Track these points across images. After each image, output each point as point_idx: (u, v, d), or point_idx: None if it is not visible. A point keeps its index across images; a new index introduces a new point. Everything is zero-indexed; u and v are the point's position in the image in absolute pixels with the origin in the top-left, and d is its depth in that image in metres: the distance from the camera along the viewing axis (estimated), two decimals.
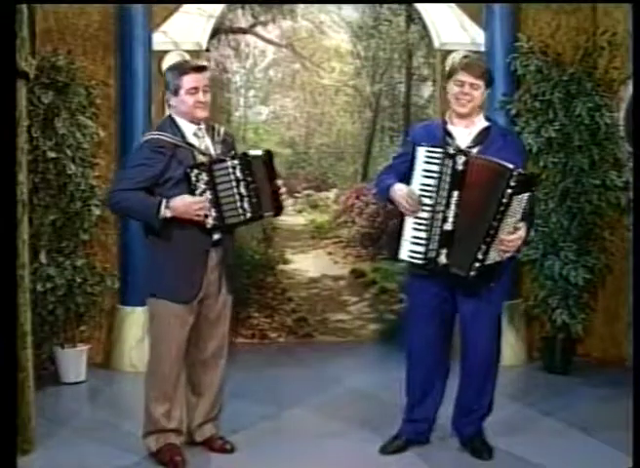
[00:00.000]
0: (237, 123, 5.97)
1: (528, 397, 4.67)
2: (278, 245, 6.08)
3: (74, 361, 5.02)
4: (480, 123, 3.62)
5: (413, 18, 5.87)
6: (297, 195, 6.11)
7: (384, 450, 3.76)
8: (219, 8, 5.49)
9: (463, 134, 3.59)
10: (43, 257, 4.86)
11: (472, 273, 3.39)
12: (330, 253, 6.13)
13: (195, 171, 3.45)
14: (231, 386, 4.33)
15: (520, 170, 3.36)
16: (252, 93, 6.02)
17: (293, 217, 6.09)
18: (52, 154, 4.83)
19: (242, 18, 5.92)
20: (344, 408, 4.47)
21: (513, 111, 5.29)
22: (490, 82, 3.63)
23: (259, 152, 3.63)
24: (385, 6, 5.94)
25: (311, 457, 3.75)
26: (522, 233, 3.42)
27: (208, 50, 5.60)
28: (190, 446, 3.76)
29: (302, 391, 4.73)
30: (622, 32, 5.14)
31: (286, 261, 6.09)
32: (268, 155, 3.62)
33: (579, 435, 3.99)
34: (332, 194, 6.15)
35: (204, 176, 3.45)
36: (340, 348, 5.87)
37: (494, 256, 3.41)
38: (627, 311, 5.05)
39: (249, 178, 3.51)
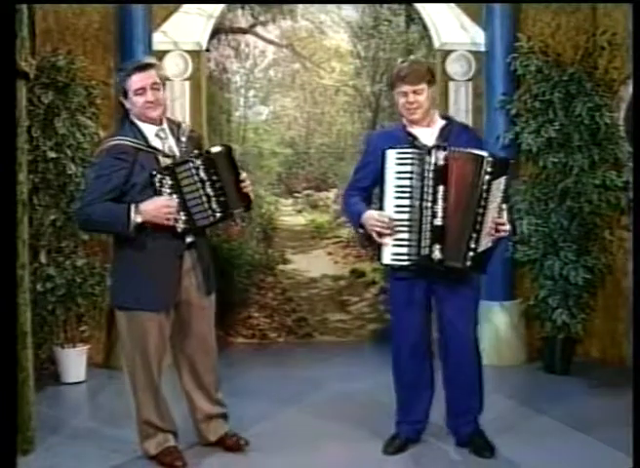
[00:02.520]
0: (237, 123, 5.97)
1: (528, 397, 4.67)
2: (278, 245, 6.07)
3: (74, 361, 5.02)
4: (439, 121, 3.68)
5: (413, 18, 5.87)
6: (297, 195, 6.11)
7: (385, 451, 3.77)
8: (219, 8, 5.49)
9: (426, 133, 3.63)
10: (43, 257, 4.86)
11: (468, 263, 3.43)
12: (330, 253, 6.13)
13: (158, 175, 3.36)
14: (231, 386, 4.34)
15: (492, 155, 3.43)
16: (252, 93, 6.02)
17: (293, 217, 6.08)
18: (52, 154, 4.83)
19: (242, 18, 5.92)
20: (344, 407, 4.47)
21: (513, 111, 5.29)
22: (433, 79, 3.65)
23: (219, 148, 3.51)
24: (385, 6, 5.94)
25: (311, 457, 3.75)
26: (506, 215, 3.51)
27: (208, 50, 5.60)
28: (193, 446, 3.78)
29: (302, 391, 4.73)
30: (622, 32, 5.14)
31: (286, 261, 6.08)
32: (228, 149, 3.51)
33: (578, 435, 3.98)
34: (332, 194, 6.15)
35: (168, 180, 3.36)
36: (340, 348, 5.86)
37: (485, 243, 3.46)
38: (627, 311, 5.05)
39: (214, 177, 3.40)
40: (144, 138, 3.45)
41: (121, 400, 4.40)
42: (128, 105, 3.49)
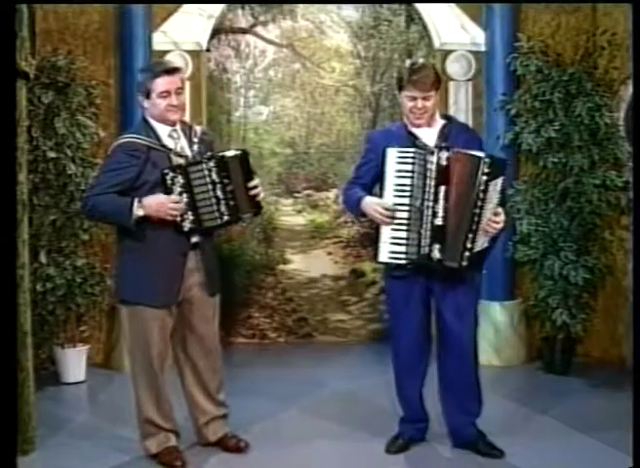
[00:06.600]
0: (237, 123, 5.97)
1: (528, 397, 4.67)
2: (278, 245, 6.07)
3: (74, 361, 5.02)
4: (439, 120, 3.70)
5: (413, 18, 5.86)
6: (297, 195, 6.11)
7: (387, 451, 3.77)
8: (219, 8, 5.48)
9: (427, 133, 3.65)
10: (43, 257, 4.86)
11: (464, 263, 3.46)
12: (330, 253, 6.13)
13: (171, 173, 3.41)
14: (231, 386, 4.33)
15: (490, 156, 3.47)
16: (252, 93, 6.02)
17: (293, 217, 6.08)
18: (52, 154, 4.83)
19: (242, 18, 5.92)
20: (345, 407, 4.47)
21: (513, 111, 5.29)
22: (440, 84, 3.67)
23: (235, 153, 3.56)
24: (385, 6, 5.94)
25: (311, 457, 3.75)
26: (503, 217, 3.51)
27: (208, 50, 5.60)
28: (193, 446, 3.78)
29: (302, 391, 4.73)
30: (622, 32, 5.14)
31: (286, 261, 6.08)
32: (244, 155, 3.56)
33: (578, 435, 3.99)
34: (332, 194, 6.15)
35: (180, 179, 3.41)
36: (340, 348, 5.87)
37: (481, 243, 3.49)
38: (627, 311, 5.05)
39: (225, 181, 3.45)
40: (157, 137, 3.51)
41: (121, 400, 4.41)
42: (147, 105, 3.53)
